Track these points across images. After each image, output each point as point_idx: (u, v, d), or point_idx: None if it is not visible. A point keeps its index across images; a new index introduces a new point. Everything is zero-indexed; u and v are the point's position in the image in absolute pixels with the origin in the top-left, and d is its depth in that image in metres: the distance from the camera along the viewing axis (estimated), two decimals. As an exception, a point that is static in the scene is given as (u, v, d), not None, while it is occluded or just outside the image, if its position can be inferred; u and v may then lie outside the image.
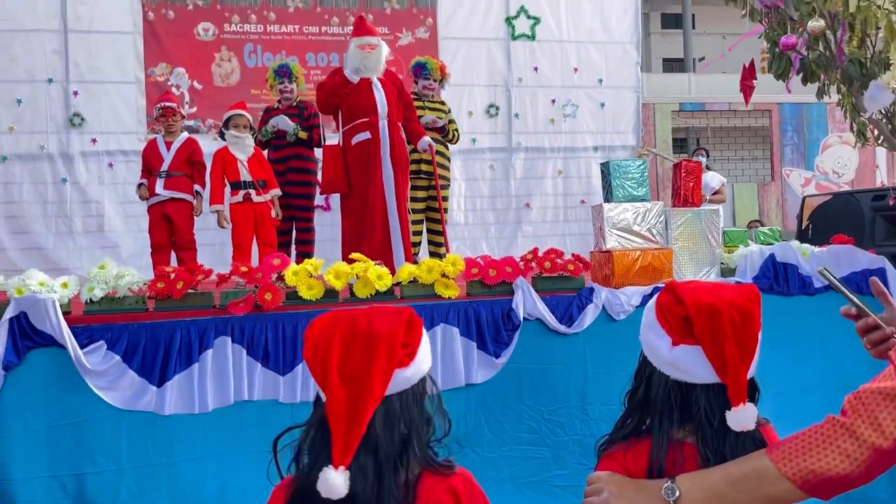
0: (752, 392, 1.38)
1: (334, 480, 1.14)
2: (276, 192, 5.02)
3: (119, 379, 3.00)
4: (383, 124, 4.45)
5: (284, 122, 5.28)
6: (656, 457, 1.36)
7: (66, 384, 2.96)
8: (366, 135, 4.42)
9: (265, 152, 5.27)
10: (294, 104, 5.52)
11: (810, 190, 12.09)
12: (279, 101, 5.54)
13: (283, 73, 5.48)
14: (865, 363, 3.61)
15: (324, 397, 1.21)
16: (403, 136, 4.64)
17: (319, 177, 5.11)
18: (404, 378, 1.24)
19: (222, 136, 4.99)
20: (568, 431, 3.34)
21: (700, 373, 1.35)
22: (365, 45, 4.46)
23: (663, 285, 1.48)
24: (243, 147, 4.87)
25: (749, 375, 1.35)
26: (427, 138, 4.81)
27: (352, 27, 4.96)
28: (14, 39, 7.06)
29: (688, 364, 1.36)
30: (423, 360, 1.29)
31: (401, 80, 4.81)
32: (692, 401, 1.37)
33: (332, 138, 4.96)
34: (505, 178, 8.13)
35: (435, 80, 5.68)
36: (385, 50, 4.58)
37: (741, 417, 1.32)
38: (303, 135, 5.33)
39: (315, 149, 5.49)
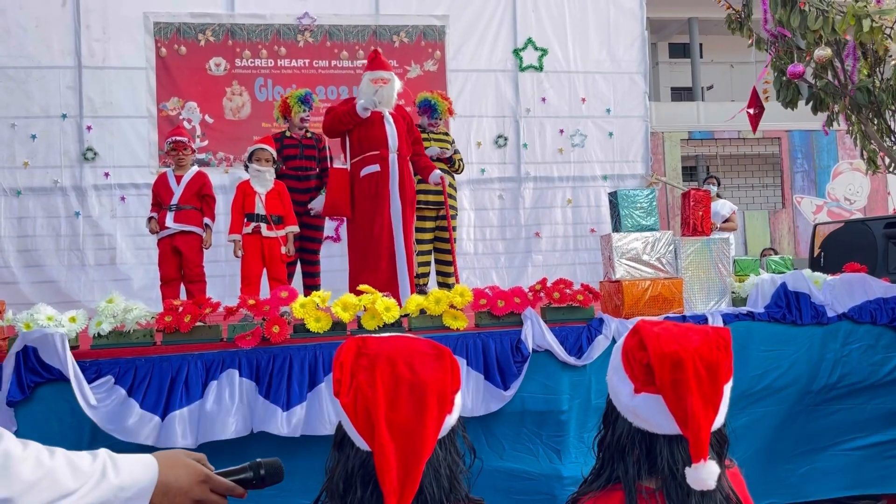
0: (719, 444, 1.32)
1: None
2: (292, 229, 4.98)
3: (124, 413, 2.99)
4: (393, 158, 4.50)
5: (320, 204, 5.31)
6: (631, 498, 1.29)
7: (78, 419, 2.95)
8: (375, 167, 4.47)
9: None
10: (308, 135, 5.59)
11: (822, 217, 12.03)
12: (289, 130, 5.59)
13: (309, 102, 5.56)
14: (835, 389, 3.59)
15: (361, 445, 1.14)
16: (412, 170, 4.68)
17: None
18: (449, 424, 1.20)
19: (246, 168, 5.04)
20: (564, 459, 3.31)
21: (662, 423, 1.29)
22: (378, 80, 4.54)
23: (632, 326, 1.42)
24: (263, 181, 4.89)
25: (716, 426, 1.29)
26: (438, 171, 4.86)
27: (366, 61, 5.03)
28: (29, 76, 7.18)
29: (649, 413, 1.29)
30: (459, 404, 1.24)
31: (410, 116, 4.87)
32: (656, 451, 1.30)
33: (336, 164, 5.01)
34: (514, 208, 8.13)
35: (440, 120, 5.75)
36: (398, 84, 4.66)
37: (701, 475, 1.24)
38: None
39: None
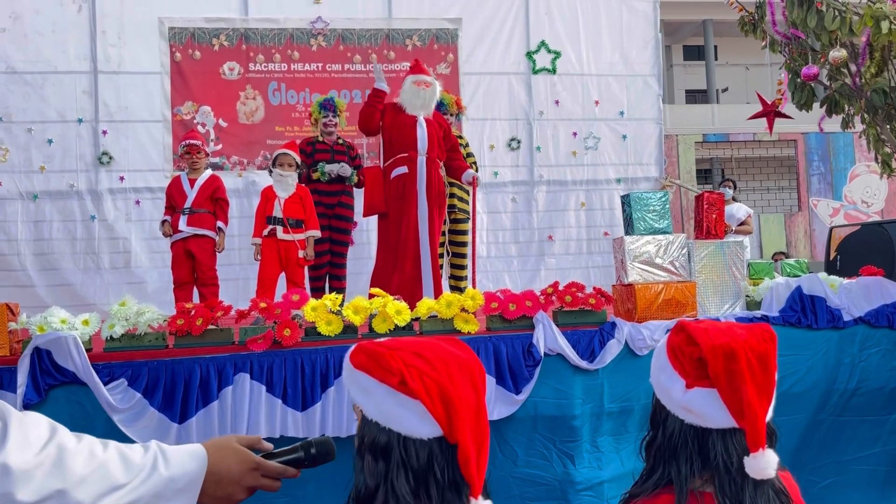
0: (769, 437, 1.31)
1: None
2: (313, 233, 4.98)
3: (141, 416, 3.01)
4: (421, 160, 4.58)
5: (344, 169, 5.38)
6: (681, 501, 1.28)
7: (90, 421, 2.97)
8: (403, 169, 4.56)
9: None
10: (340, 142, 5.62)
11: (839, 220, 11.91)
12: (321, 135, 5.61)
13: (329, 106, 5.60)
14: (854, 397, 3.53)
15: (427, 434, 1.11)
16: (443, 173, 4.74)
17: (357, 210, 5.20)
18: None
19: (270, 172, 5.07)
20: (577, 464, 3.29)
21: (716, 417, 1.29)
22: (421, 82, 4.67)
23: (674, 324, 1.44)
24: (285, 185, 4.91)
25: (766, 419, 1.29)
26: (471, 171, 4.94)
27: (409, 66, 5.16)
28: (46, 81, 7.25)
29: (703, 408, 1.29)
30: None
31: (448, 124, 4.94)
32: (708, 446, 1.30)
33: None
34: (527, 211, 8.11)
35: (451, 115, 5.74)
36: (438, 91, 4.75)
37: (760, 464, 1.25)
38: (354, 178, 5.45)
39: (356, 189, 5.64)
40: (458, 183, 5.53)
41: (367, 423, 1.16)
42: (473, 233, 5.16)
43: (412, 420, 1.12)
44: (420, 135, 4.57)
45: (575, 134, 8.24)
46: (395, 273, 4.35)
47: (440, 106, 5.70)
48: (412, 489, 1.12)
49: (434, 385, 1.10)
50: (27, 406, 2.89)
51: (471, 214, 5.22)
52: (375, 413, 1.15)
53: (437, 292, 4.34)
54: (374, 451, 1.14)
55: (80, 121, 7.29)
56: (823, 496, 3.54)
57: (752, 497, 1.28)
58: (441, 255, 5.58)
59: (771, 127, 4.23)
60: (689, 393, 1.31)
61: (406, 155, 4.55)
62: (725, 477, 1.29)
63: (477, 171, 5.89)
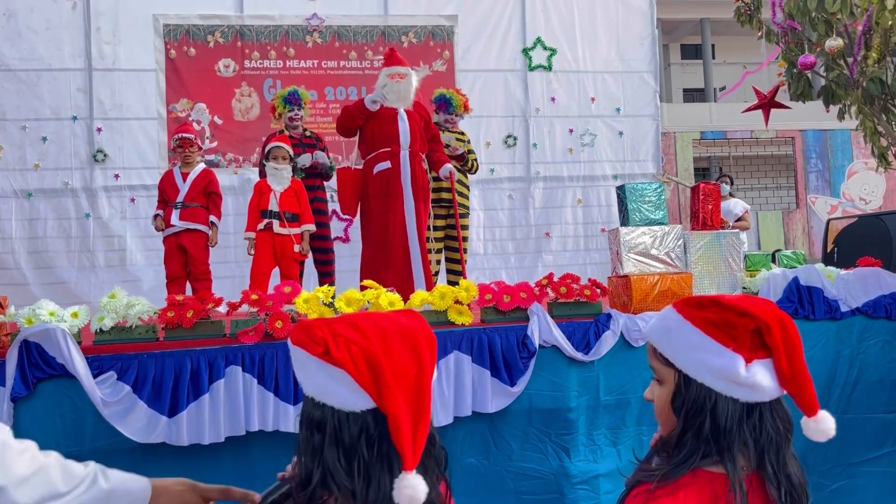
0: None
1: (420, 484, 1.04)
2: (308, 227, 4.94)
3: (130, 410, 2.97)
4: (404, 154, 4.50)
5: (323, 157, 5.35)
6: (737, 497, 1.20)
7: (79, 415, 2.94)
8: (386, 164, 4.48)
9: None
10: (308, 134, 5.57)
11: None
12: (286, 129, 5.55)
13: (294, 100, 5.53)
14: (856, 392, 3.49)
15: (359, 406, 1.09)
16: (426, 166, 4.67)
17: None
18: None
19: (262, 166, 5.02)
20: (573, 457, 3.25)
21: (770, 388, 1.25)
22: (394, 75, 4.56)
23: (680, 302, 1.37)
24: (280, 179, 4.87)
25: None
26: (449, 165, 4.86)
27: (382, 58, 5.05)
28: (40, 79, 7.22)
29: (764, 381, 1.24)
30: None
31: (428, 114, 4.86)
32: (756, 421, 1.25)
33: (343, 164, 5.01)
34: (524, 208, 8.09)
35: (457, 116, 5.72)
36: (415, 81, 4.66)
37: (822, 426, 1.25)
38: (332, 164, 5.42)
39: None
40: (460, 178, 5.49)
41: (304, 400, 1.14)
42: (458, 228, 5.13)
43: (343, 392, 1.09)
44: (402, 129, 4.49)
45: (571, 131, 8.23)
46: (386, 269, 4.29)
47: (448, 105, 5.67)
48: (345, 467, 1.10)
49: (361, 353, 1.07)
50: (15, 400, 2.86)
51: (454, 210, 5.17)
52: (311, 388, 1.13)
53: (429, 286, 4.31)
54: (311, 427, 1.13)
55: (74, 118, 7.26)
56: (833, 500, 3.49)
57: (793, 465, 1.27)
58: (440, 251, 5.55)
59: (767, 119, 4.20)
60: (751, 368, 1.24)
61: (388, 149, 4.46)
62: (773, 449, 1.25)
63: (478, 167, 5.84)
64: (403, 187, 4.45)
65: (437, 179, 5.00)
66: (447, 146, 5.24)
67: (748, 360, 1.23)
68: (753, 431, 1.25)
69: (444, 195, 5.32)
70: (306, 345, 1.12)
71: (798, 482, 1.27)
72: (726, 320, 1.25)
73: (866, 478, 3.53)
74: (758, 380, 1.23)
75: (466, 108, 5.88)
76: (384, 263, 4.38)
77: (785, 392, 1.27)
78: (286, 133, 5.49)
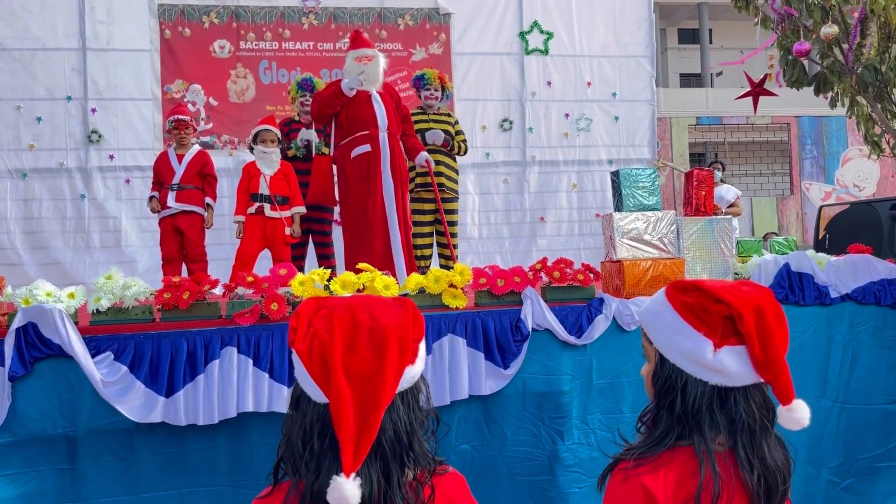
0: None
1: (348, 490, 1.05)
2: (298, 210, 4.93)
3: (128, 390, 3.00)
4: (383, 137, 4.49)
5: (313, 135, 5.34)
6: (705, 473, 1.25)
7: (76, 395, 2.97)
8: (366, 147, 4.46)
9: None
10: None
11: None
12: (299, 115, 5.57)
13: (307, 86, 5.53)
14: (853, 380, 3.50)
15: (317, 398, 1.13)
16: (402, 148, 4.66)
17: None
18: (412, 375, 1.18)
19: (251, 150, 5.00)
20: (566, 440, 3.29)
21: (743, 375, 1.28)
22: (363, 57, 4.52)
23: (669, 287, 1.40)
24: (269, 162, 4.85)
25: None
26: (424, 153, 4.84)
27: (348, 41, 5.00)
28: (34, 58, 7.18)
29: (733, 367, 1.27)
30: (423, 358, 1.24)
31: (398, 93, 4.85)
32: (730, 406, 1.28)
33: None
34: (519, 192, 8.10)
35: (436, 90, 5.65)
36: (382, 62, 4.63)
37: (796, 415, 1.27)
38: (325, 150, 5.38)
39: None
40: (447, 162, 5.48)
41: (294, 379, 1.21)
42: (441, 214, 5.12)
43: (305, 380, 1.14)
44: (378, 111, 4.47)
45: (567, 115, 8.23)
46: (365, 254, 4.27)
47: (421, 81, 5.64)
48: (301, 444, 1.15)
49: (319, 347, 1.11)
50: (13, 379, 2.88)
51: (435, 195, 5.16)
52: (296, 372, 1.19)
53: (411, 270, 4.32)
54: (292, 398, 1.20)
55: (69, 98, 7.23)
56: (844, 498, 3.48)
57: (769, 450, 1.29)
58: (430, 235, 5.55)
59: (755, 106, 4.22)
60: (719, 353, 1.28)
61: (367, 133, 4.44)
62: (748, 433, 1.28)
63: (466, 150, 5.82)
64: (382, 171, 4.44)
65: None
66: (434, 145, 5.24)
67: (718, 346, 1.27)
68: (725, 414, 1.29)
69: (436, 179, 5.32)
70: (290, 328, 1.18)
71: (775, 467, 1.29)
72: (702, 305, 1.29)
73: (877, 475, 3.52)
74: (725, 365, 1.27)
75: (442, 81, 5.80)
76: (363, 247, 4.36)
77: (761, 379, 1.29)
78: (297, 118, 5.50)
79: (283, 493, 1.17)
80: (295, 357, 1.16)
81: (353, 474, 1.07)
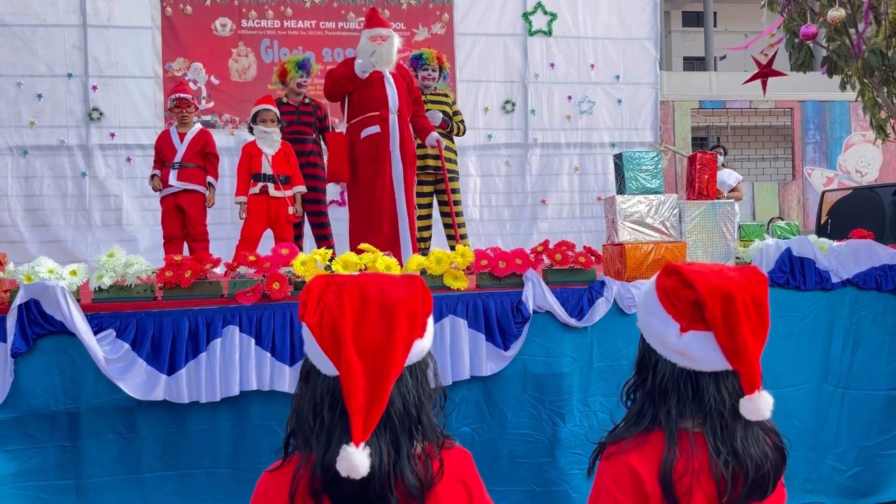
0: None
1: (357, 459, 1.09)
2: (300, 189, 4.92)
3: (130, 367, 3.01)
4: (393, 119, 4.47)
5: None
6: (668, 451, 1.28)
7: (78, 372, 2.98)
8: (375, 129, 4.44)
9: None
10: (306, 101, 5.52)
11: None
12: (286, 96, 5.50)
13: (307, 67, 5.49)
14: (854, 364, 3.50)
15: (327, 371, 1.16)
16: (412, 131, 4.64)
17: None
18: (420, 350, 1.21)
19: (251, 129, 4.98)
20: (567, 422, 3.31)
21: (710, 360, 1.29)
22: (377, 37, 4.46)
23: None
24: (270, 142, 4.83)
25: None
26: (435, 134, 4.83)
27: (364, 20, 4.96)
28: (35, 34, 7.13)
29: (698, 351, 1.29)
30: (431, 334, 1.27)
31: (410, 75, 4.81)
32: (701, 389, 1.30)
33: (339, 128, 4.97)
34: (521, 175, 8.08)
35: (433, 70, 5.60)
36: (397, 42, 4.57)
37: (757, 406, 1.27)
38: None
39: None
40: (446, 143, 5.45)
41: (296, 358, 1.24)
42: (448, 195, 5.11)
43: (315, 353, 1.17)
44: (390, 92, 4.44)
45: (570, 97, 8.19)
46: (372, 234, 4.27)
47: (419, 61, 5.59)
48: (312, 417, 1.17)
49: (329, 320, 1.13)
50: (16, 355, 2.89)
51: (443, 176, 5.14)
52: (306, 346, 1.21)
53: (415, 252, 4.32)
54: (302, 371, 1.22)
55: (69, 75, 7.20)
56: (854, 487, 3.49)
57: (742, 438, 1.29)
58: (428, 217, 5.54)
59: (765, 88, 4.19)
60: (684, 337, 1.30)
61: (377, 114, 4.42)
62: (718, 419, 1.29)
63: (465, 130, 5.78)
64: (392, 152, 4.43)
65: (422, 146, 4.98)
66: (434, 124, 5.21)
67: (684, 330, 1.30)
68: (695, 398, 1.30)
69: (430, 161, 5.31)
70: (300, 303, 1.20)
71: (745, 454, 1.28)
72: (674, 289, 1.32)
73: (884, 463, 3.52)
74: (690, 349, 1.29)
75: (440, 61, 5.75)
76: (371, 229, 4.36)
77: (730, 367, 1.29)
78: (285, 99, 5.44)
79: (293, 466, 1.19)
80: (305, 330, 1.18)
81: (362, 444, 1.10)
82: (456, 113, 5.65)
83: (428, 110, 5.36)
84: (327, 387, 1.17)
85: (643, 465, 1.29)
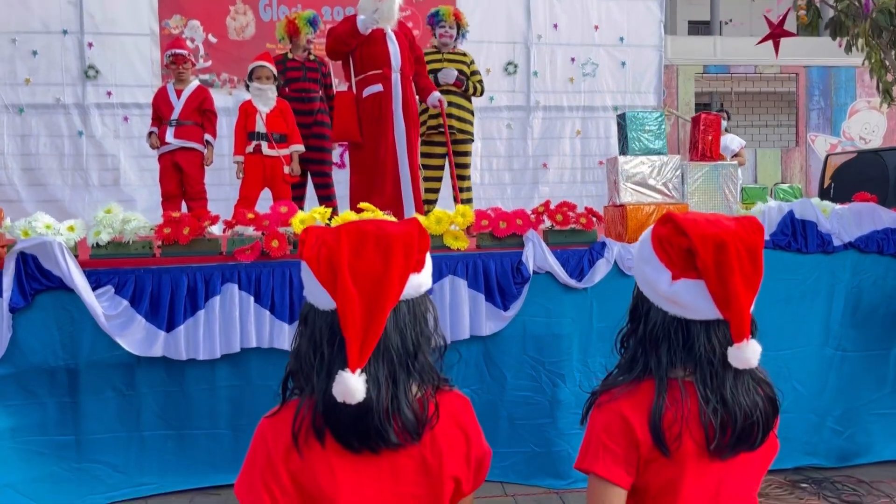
0: (753, 326, 1.31)
1: (352, 383, 1.11)
2: (297, 147, 4.84)
3: (129, 323, 3.01)
4: (396, 77, 4.41)
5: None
6: (658, 398, 1.29)
7: (77, 328, 2.97)
8: (378, 87, 4.38)
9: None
10: (311, 58, 5.45)
11: (835, 156, 11.84)
12: (291, 52, 5.43)
13: (316, 24, 5.44)
14: (853, 327, 3.50)
15: (326, 305, 1.17)
16: (414, 90, 4.58)
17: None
18: (417, 284, 1.22)
19: (247, 87, 4.90)
20: (567, 382, 3.32)
21: (701, 308, 1.29)
22: None
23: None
24: (265, 99, 4.75)
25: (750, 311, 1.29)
26: (437, 93, 4.76)
27: None
28: (29, -11, 7.00)
29: (689, 299, 1.29)
30: (428, 273, 1.27)
31: (412, 33, 4.73)
32: (692, 338, 1.30)
33: (340, 87, 4.89)
34: (522, 138, 8.00)
35: (451, 27, 5.49)
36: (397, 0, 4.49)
37: (745, 354, 1.26)
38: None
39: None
40: (459, 102, 5.36)
41: (303, 298, 1.25)
42: (450, 155, 5.03)
43: (314, 288, 1.18)
44: (392, 50, 4.38)
45: (573, 59, 8.07)
46: (375, 195, 4.24)
47: (435, 17, 5.49)
48: (311, 362, 1.19)
49: (326, 252, 1.15)
50: (14, 310, 2.89)
51: (446, 140, 5.06)
52: (305, 288, 1.23)
53: (419, 212, 4.30)
54: (300, 320, 1.24)
55: (64, 32, 7.07)
56: (850, 447, 3.52)
57: (732, 387, 1.29)
58: (439, 179, 5.48)
59: (777, 50, 4.11)
60: (675, 284, 1.30)
61: (379, 72, 4.36)
62: (707, 368, 1.30)
63: (482, 91, 5.66)
64: (394, 112, 4.39)
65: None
66: (449, 85, 5.14)
67: (675, 277, 1.30)
68: (685, 346, 1.31)
69: (452, 122, 5.24)
70: (299, 242, 1.22)
71: (735, 404, 1.29)
72: (668, 237, 1.32)
73: (878, 423, 3.55)
74: (681, 296, 1.29)
75: (458, 18, 5.62)
76: (374, 189, 4.34)
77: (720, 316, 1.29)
78: (290, 55, 5.36)
79: (292, 410, 1.20)
80: (304, 266, 1.19)
81: (358, 370, 1.12)
82: (474, 73, 5.52)
83: (443, 68, 5.27)
84: (325, 322, 1.18)
85: (634, 413, 1.30)
